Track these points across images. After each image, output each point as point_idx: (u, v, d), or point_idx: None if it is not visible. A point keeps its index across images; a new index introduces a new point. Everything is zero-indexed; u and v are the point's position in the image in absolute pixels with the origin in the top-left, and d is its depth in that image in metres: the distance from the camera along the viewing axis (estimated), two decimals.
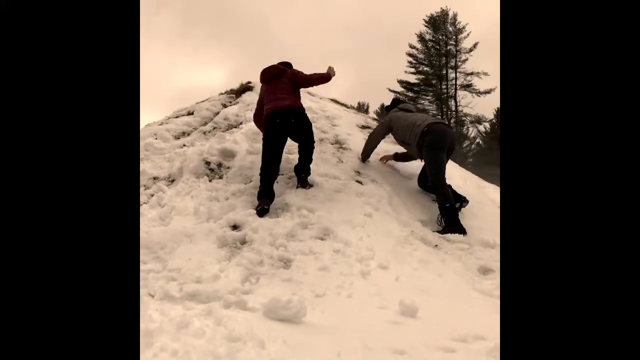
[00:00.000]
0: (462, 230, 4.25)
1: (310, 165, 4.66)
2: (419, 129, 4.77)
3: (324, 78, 4.78)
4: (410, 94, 35.60)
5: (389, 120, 5.17)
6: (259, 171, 4.35)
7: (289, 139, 4.70)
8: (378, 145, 5.31)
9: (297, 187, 4.50)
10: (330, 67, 4.78)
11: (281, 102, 4.59)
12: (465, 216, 4.64)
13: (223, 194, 4.24)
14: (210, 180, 4.51)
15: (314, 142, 4.79)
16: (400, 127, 5.00)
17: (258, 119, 4.99)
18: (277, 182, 4.49)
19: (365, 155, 5.27)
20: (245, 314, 2.63)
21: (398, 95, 34.36)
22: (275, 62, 5.04)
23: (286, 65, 5.06)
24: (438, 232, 4.27)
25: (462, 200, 4.70)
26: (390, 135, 5.36)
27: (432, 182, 4.67)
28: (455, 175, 5.55)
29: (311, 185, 4.55)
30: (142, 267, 3.22)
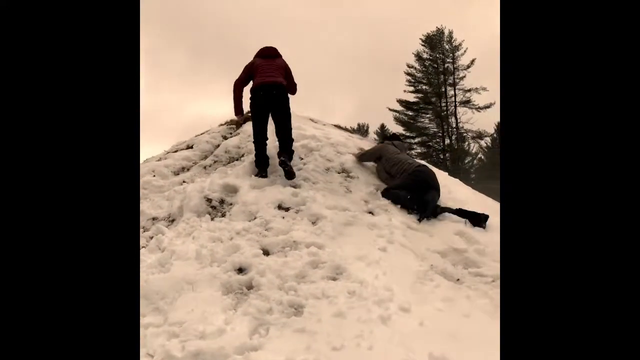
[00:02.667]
0: (434, 212, 4.64)
1: (293, 157, 5.12)
2: (408, 167, 5.08)
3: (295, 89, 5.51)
4: (410, 113, 35.52)
5: (381, 148, 5.52)
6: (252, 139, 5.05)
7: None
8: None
9: (285, 177, 4.88)
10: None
11: (271, 78, 5.10)
12: (482, 243, 4.35)
13: (227, 234, 3.96)
14: (212, 219, 4.24)
15: (291, 127, 5.16)
16: (388, 159, 5.29)
17: (239, 87, 5.39)
18: (283, 217, 4.23)
19: (358, 158, 5.63)
20: None
21: (402, 117, 34.42)
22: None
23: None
24: (419, 219, 4.56)
25: (482, 219, 4.60)
26: None
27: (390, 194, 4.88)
28: (471, 200, 5.28)
29: (293, 174, 4.90)
30: (141, 320, 2.95)
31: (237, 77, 5.38)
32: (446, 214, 4.71)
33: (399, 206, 4.76)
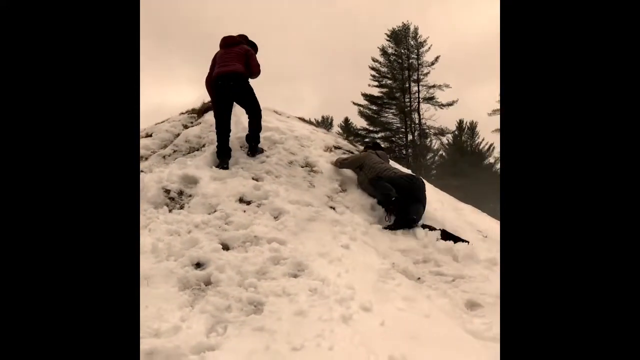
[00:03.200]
0: (410, 222, 4.43)
1: (262, 147, 5.22)
2: (394, 175, 4.90)
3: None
4: (374, 107, 35.73)
5: (365, 156, 5.25)
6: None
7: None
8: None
9: (247, 154, 5.09)
10: None
11: (227, 67, 5.13)
12: (443, 242, 4.36)
13: (185, 227, 3.83)
14: (170, 211, 4.09)
15: (260, 109, 5.20)
16: (371, 167, 5.07)
17: (208, 83, 5.44)
18: (245, 211, 4.12)
19: (337, 165, 5.42)
20: None
21: (366, 111, 34.48)
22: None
23: (243, 37, 5.61)
24: (389, 227, 4.39)
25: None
26: None
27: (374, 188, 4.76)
28: (432, 199, 5.29)
29: (261, 151, 5.14)
30: None
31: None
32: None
33: (378, 201, 4.67)
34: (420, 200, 4.74)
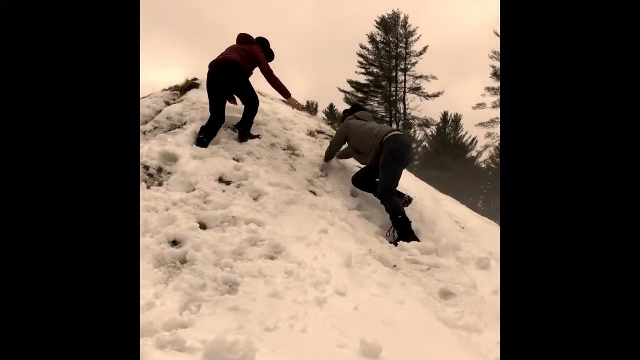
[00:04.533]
0: (415, 239, 4.20)
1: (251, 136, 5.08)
2: (376, 139, 4.64)
3: (282, 92, 5.20)
4: (360, 95, 35.67)
5: (345, 128, 5.02)
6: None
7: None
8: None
9: (236, 139, 5.00)
10: (294, 101, 5.35)
11: (222, 56, 5.12)
12: (422, 232, 4.41)
13: (162, 204, 3.79)
14: (148, 187, 4.04)
15: (256, 100, 5.13)
16: (354, 135, 4.88)
17: None
18: (224, 191, 4.10)
19: (327, 157, 5.22)
20: (183, 357, 2.24)
21: (352, 98, 34.37)
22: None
23: (261, 41, 5.51)
24: (395, 243, 4.16)
25: (405, 200, 4.64)
26: None
27: (383, 192, 4.48)
28: (411, 186, 5.32)
29: (252, 137, 5.03)
30: None
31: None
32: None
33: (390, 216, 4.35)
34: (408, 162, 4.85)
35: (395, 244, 4.10)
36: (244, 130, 5.05)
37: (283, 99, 5.42)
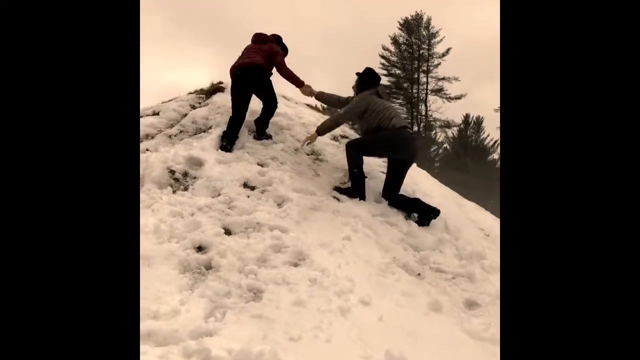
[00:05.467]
0: (362, 197, 4.57)
1: (268, 131, 5.25)
2: (397, 122, 4.74)
3: (295, 82, 5.34)
4: None
5: (367, 103, 4.81)
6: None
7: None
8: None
9: (253, 137, 5.14)
10: (308, 89, 5.36)
11: (247, 59, 5.20)
12: (446, 240, 4.36)
13: (188, 209, 3.82)
14: (174, 192, 4.08)
15: (275, 102, 5.26)
16: (373, 117, 4.76)
17: (231, 73, 5.45)
18: (248, 196, 4.12)
19: (325, 131, 4.95)
20: None
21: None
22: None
23: (275, 38, 5.63)
24: (337, 189, 4.63)
25: (433, 211, 4.58)
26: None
27: (352, 147, 4.75)
28: (436, 194, 5.28)
29: (267, 137, 5.15)
30: None
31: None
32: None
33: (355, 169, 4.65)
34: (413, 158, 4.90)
35: (340, 191, 4.58)
36: (262, 128, 5.19)
37: (307, 102, 5.54)
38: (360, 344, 2.63)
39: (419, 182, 5.33)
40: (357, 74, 5.19)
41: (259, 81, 5.17)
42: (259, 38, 5.51)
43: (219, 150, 4.76)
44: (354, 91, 5.20)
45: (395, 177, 4.78)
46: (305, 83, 5.34)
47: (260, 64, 5.17)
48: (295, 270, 3.32)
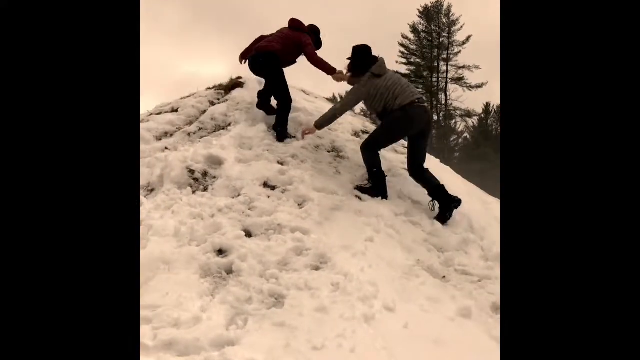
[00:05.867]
0: (384, 195, 4.46)
1: (285, 128, 5.05)
2: (402, 100, 4.43)
3: (327, 69, 5.02)
4: None
5: (367, 91, 4.54)
6: None
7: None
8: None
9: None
10: (341, 73, 4.96)
11: (265, 44, 5.13)
12: (471, 240, 4.24)
13: (208, 210, 3.78)
14: (194, 192, 4.04)
15: (285, 97, 5.05)
16: (379, 94, 4.50)
17: None
18: (269, 196, 4.05)
19: (323, 124, 4.69)
20: None
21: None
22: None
23: (312, 29, 5.44)
24: (358, 188, 4.50)
25: (455, 201, 4.48)
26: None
27: (367, 146, 4.59)
28: (461, 191, 5.15)
29: (289, 136, 4.99)
30: None
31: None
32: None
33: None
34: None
35: (361, 191, 4.46)
36: (281, 130, 5.00)
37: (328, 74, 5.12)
38: (385, 354, 2.56)
39: (443, 178, 5.17)
40: (348, 58, 4.84)
41: (268, 68, 5.09)
42: (293, 24, 5.37)
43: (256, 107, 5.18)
44: (349, 72, 4.88)
45: (416, 150, 4.62)
46: (337, 70, 5.03)
47: (275, 50, 5.06)
48: (317, 274, 3.26)
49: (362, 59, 4.69)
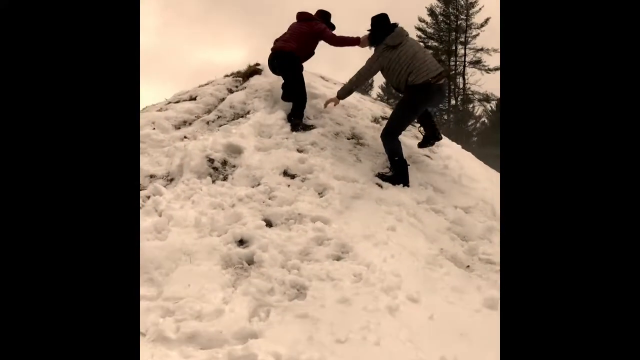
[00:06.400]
0: (406, 183, 4.41)
1: (301, 120, 4.99)
2: (414, 78, 4.39)
3: (351, 42, 5.09)
4: None
5: (380, 64, 4.60)
6: None
7: None
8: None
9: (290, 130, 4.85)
10: (365, 39, 4.92)
11: (279, 44, 5.13)
12: (495, 228, 4.15)
13: (228, 200, 3.74)
14: (213, 182, 4.01)
15: (299, 93, 5.03)
16: (392, 69, 4.52)
17: None
18: (289, 185, 4.00)
19: (344, 94, 4.90)
20: None
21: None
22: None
23: (323, 15, 5.42)
24: (379, 176, 4.46)
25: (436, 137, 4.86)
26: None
27: (386, 134, 4.58)
28: (483, 177, 5.06)
29: (301, 127, 4.88)
30: None
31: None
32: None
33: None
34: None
35: (382, 179, 4.43)
36: (295, 121, 4.99)
37: (356, 45, 5.13)
38: (411, 347, 2.52)
39: (465, 166, 5.11)
40: (368, 30, 4.81)
41: (285, 69, 5.10)
42: (302, 17, 5.35)
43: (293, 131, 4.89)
44: (369, 43, 4.89)
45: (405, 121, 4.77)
46: (360, 37, 5.06)
47: (292, 50, 5.06)
48: (339, 264, 3.21)
49: (377, 28, 4.67)
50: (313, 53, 5.39)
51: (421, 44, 4.73)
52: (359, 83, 4.87)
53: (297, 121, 4.96)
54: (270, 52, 5.22)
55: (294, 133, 4.76)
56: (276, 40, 5.30)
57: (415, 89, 4.40)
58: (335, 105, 4.96)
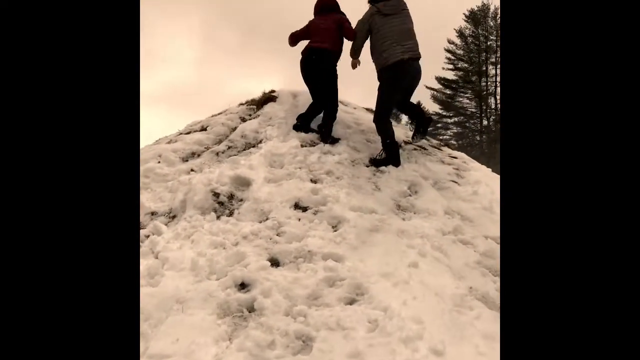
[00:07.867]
0: (397, 163, 4.53)
1: (333, 135, 4.92)
2: (387, 57, 4.61)
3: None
4: (448, 92, 34.39)
5: (369, 26, 4.78)
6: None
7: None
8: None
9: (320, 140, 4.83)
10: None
11: (318, 43, 4.95)
12: None
13: (232, 238, 3.41)
14: (218, 217, 3.69)
15: (334, 98, 4.96)
16: (373, 41, 4.78)
17: (294, 38, 5.26)
18: (300, 219, 3.65)
19: (355, 53, 5.07)
20: None
21: (440, 95, 33.15)
22: None
23: (336, 4, 5.30)
24: (372, 160, 4.59)
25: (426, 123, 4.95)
26: None
27: (377, 118, 4.75)
28: None
29: (333, 139, 4.81)
30: None
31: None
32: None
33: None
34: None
35: (376, 165, 4.55)
36: (326, 131, 4.87)
37: (366, 106, 5.20)
38: None
39: (496, 191, 4.65)
40: None
41: (319, 66, 4.93)
42: (326, 5, 5.15)
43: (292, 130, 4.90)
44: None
45: (402, 100, 4.94)
46: None
47: (328, 49, 4.93)
48: (352, 309, 2.82)
49: None
50: (341, 51, 5.20)
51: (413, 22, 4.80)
52: (358, 44, 4.97)
53: (328, 130, 4.87)
54: (310, 48, 5.00)
55: (308, 161, 4.42)
56: (294, 35, 5.17)
57: (388, 68, 4.59)
58: (358, 65, 5.13)
